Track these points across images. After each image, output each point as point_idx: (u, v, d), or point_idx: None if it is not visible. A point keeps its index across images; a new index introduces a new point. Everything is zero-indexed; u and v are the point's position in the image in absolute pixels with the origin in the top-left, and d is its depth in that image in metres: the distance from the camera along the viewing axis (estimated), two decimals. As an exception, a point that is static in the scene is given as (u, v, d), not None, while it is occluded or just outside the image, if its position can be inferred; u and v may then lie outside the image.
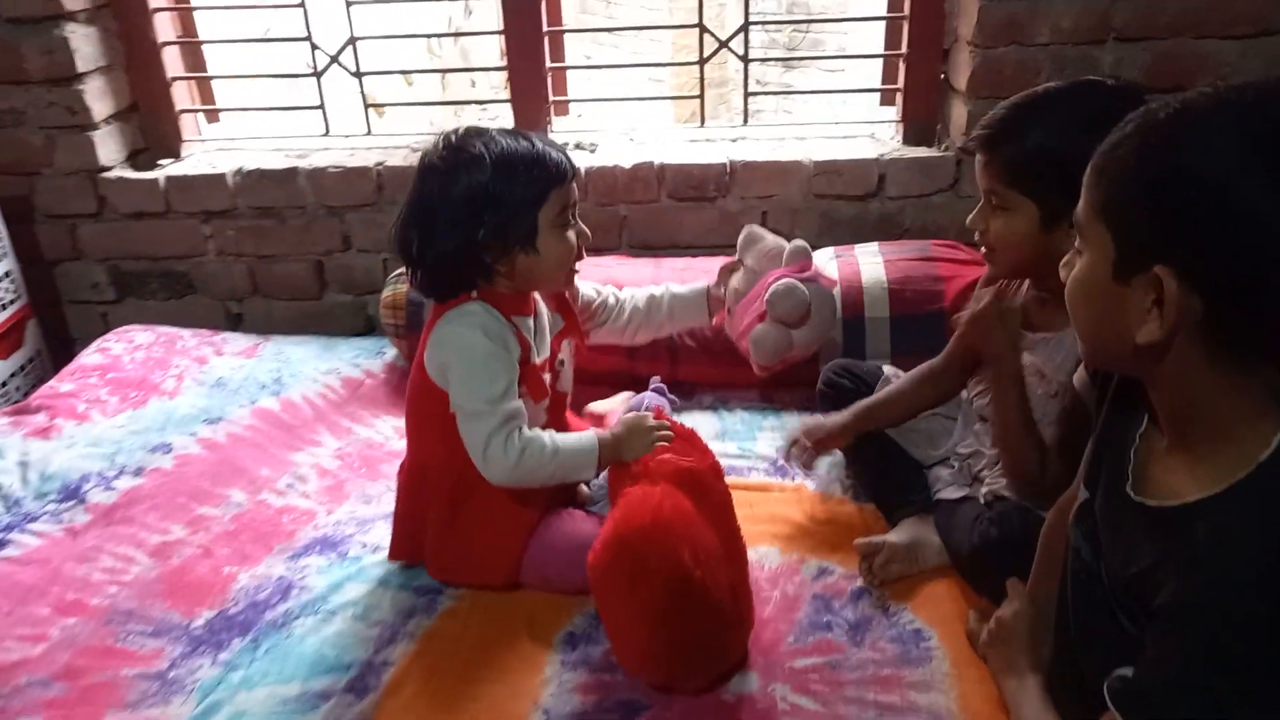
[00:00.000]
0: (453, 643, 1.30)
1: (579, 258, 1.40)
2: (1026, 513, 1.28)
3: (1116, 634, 0.87)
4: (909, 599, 1.34)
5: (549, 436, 1.33)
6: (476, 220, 1.28)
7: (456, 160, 1.30)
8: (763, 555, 1.42)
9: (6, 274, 2.09)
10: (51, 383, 1.88)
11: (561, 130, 2.28)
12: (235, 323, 2.32)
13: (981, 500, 1.38)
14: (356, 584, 1.41)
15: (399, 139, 2.29)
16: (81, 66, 2.07)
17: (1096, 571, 0.92)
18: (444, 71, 2.73)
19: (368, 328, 2.28)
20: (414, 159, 2.20)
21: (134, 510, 1.56)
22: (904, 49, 2.10)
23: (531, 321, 1.40)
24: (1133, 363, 0.84)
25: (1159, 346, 0.78)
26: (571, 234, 1.36)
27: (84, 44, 2.07)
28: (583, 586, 1.25)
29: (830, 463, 1.62)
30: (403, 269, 2.03)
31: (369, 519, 1.55)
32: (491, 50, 3.64)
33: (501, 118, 2.30)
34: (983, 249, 1.34)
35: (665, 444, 1.30)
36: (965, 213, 1.36)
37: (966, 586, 1.34)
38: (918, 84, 2.12)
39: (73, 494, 1.60)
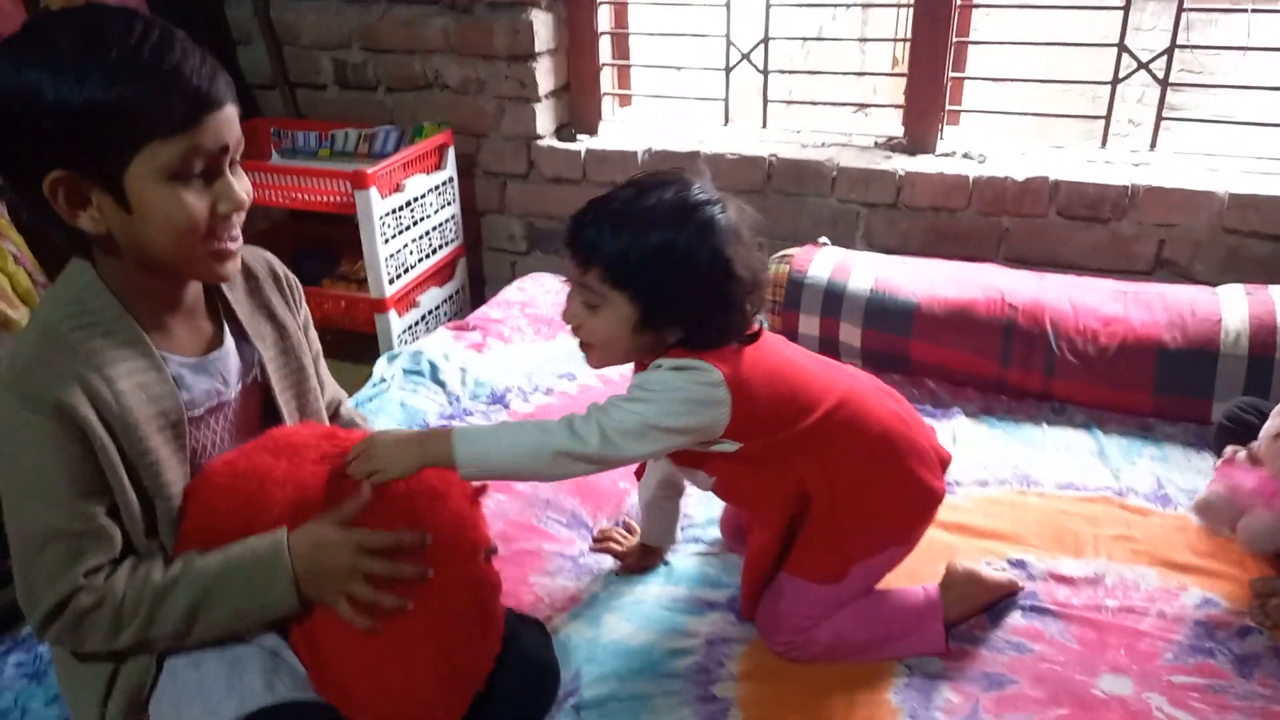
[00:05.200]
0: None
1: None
2: None
3: None
4: (1308, 649, 1.27)
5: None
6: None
7: None
8: (1140, 575, 1.40)
9: (453, 217, 2.49)
10: (483, 309, 2.22)
11: (952, 139, 2.33)
12: (617, 284, 2.58)
13: None
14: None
15: (790, 133, 2.44)
16: (538, 47, 2.41)
17: None
18: (830, 74, 2.86)
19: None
20: (804, 153, 2.36)
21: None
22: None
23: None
24: None
25: None
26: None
27: (543, 28, 2.41)
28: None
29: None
30: (783, 250, 2.17)
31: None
32: (883, 56, 3.68)
33: (886, 121, 2.38)
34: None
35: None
36: None
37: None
38: (1368, 121, 1.95)
39: (498, 399, 1.90)
